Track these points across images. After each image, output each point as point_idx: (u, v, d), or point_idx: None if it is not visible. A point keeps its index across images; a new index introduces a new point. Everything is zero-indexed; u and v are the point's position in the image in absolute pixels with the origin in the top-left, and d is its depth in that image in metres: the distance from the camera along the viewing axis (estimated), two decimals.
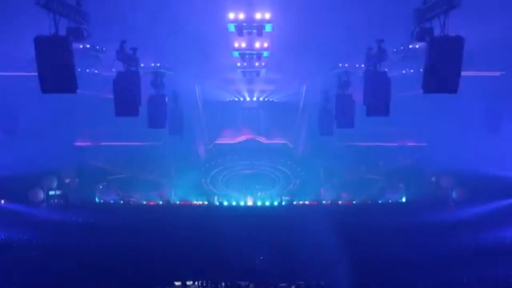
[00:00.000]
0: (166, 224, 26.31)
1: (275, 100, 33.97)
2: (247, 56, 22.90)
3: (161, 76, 24.92)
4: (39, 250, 22.77)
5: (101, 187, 34.08)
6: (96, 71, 26.27)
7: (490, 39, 19.33)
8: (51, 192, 32.52)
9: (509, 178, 28.23)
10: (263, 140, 35.10)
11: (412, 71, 26.09)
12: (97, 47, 21.41)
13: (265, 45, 21.97)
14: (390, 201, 33.79)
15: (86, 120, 32.25)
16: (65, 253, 21.80)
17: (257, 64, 24.90)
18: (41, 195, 31.88)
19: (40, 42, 14.67)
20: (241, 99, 33.98)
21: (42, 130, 28.19)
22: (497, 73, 26.45)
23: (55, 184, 32.86)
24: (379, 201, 33.74)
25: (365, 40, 20.49)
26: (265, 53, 22.71)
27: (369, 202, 33.70)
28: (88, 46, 20.90)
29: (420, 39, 16.33)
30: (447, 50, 15.08)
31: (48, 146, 27.71)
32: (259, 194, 34.07)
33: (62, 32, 15.25)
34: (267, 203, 33.67)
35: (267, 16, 19.08)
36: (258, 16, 19.06)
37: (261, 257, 21.50)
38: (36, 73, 15.03)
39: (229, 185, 34.88)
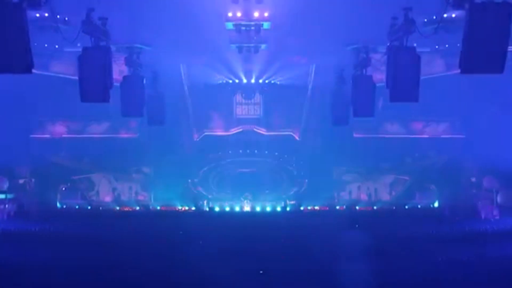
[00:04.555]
0: (144, 235, 26.27)
1: (278, 83, 33.93)
2: (243, 28, 22.80)
3: (137, 53, 24.87)
4: None
5: (63, 189, 34.11)
6: (56, 46, 26.19)
7: None
8: (1, 196, 32.41)
9: None
10: (263, 131, 35.07)
11: (447, 46, 26.04)
12: (58, 17, 21.22)
13: (266, 14, 21.86)
14: (419, 206, 33.82)
15: (45, 107, 32.18)
16: (18, 270, 21.70)
17: (255, 38, 24.81)
18: None
19: None
20: (237, 81, 33.91)
21: None
22: None
23: (6, 185, 32.77)
24: (406, 207, 33.76)
25: (389, 8, 20.38)
26: (266, 25, 22.61)
27: (394, 207, 33.74)
28: (46, 15, 20.74)
29: (457, 6, 16.18)
30: (491, 19, 14.97)
31: None
32: (250, 198, 34.03)
33: None
34: (268, 209, 33.68)
35: None
36: None
37: (261, 271, 21.46)
38: None
39: (221, 186, 34.88)
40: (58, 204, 33.77)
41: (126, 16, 21.93)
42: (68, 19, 21.56)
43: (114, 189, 34.68)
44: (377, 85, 23.92)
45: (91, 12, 19.87)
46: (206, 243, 24.16)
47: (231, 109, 35.14)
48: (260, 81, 33.89)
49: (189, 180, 34.89)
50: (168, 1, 20.43)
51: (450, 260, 22.51)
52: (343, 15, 21.87)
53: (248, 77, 33.59)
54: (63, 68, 28.75)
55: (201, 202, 34.02)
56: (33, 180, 33.82)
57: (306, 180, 34.96)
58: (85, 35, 20.11)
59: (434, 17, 21.47)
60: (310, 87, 33.23)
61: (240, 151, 35.08)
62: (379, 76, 24.36)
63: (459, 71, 15.84)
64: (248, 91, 34.62)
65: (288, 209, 33.65)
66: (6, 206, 32.40)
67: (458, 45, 15.90)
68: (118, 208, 33.76)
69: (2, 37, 14.64)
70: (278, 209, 33.68)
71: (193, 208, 33.58)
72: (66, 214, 32.50)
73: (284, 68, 31.90)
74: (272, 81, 33.88)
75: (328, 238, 23.69)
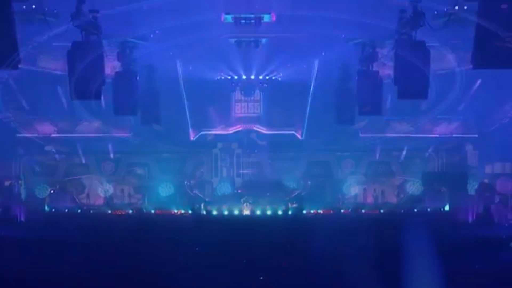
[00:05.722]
0: (137, 240, 26.23)
1: (279, 79, 33.90)
2: (243, 20, 22.79)
3: (130, 48, 24.85)
4: None
5: (52, 191, 34.01)
6: (44, 41, 26.13)
7: None
8: None
9: None
10: (263, 130, 35.04)
11: (458, 40, 26.02)
12: (46, 9, 21.26)
13: (266, 6, 21.85)
14: (429, 209, 33.76)
15: (32, 104, 32.13)
16: (3, 277, 21.70)
17: (256, 31, 24.79)
18: None
19: None
20: (236, 77, 33.89)
21: None
22: None
23: None
24: (415, 210, 33.71)
25: None
26: (266, 17, 22.60)
27: (402, 211, 33.68)
28: (34, 6, 20.76)
29: None
30: (505, 11, 14.92)
31: None
32: (250, 200, 33.99)
33: None
34: (269, 212, 33.63)
35: None
36: None
37: (261, 278, 21.47)
38: None
39: (219, 188, 34.81)
40: (46, 208, 33.66)
41: (119, 9, 21.92)
42: (57, 11, 21.53)
43: (105, 192, 34.63)
44: (384, 81, 23.91)
45: (82, 4, 19.87)
46: (203, 248, 24.14)
47: (229, 106, 35.13)
48: (261, 77, 33.86)
49: (185, 182, 34.87)
50: None
51: (462, 268, 22.50)
52: (348, 7, 21.88)
53: (248, 74, 33.56)
54: (52, 64, 28.76)
55: (198, 205, 33.96)
56: (19, 181, 33.76)
57: (309, 182, 34.93)
58: (75, 28, 20.11)
59: (445, 9, 21.48)
60: (313, 83, 33.19)
61: (240, 151, 35.07)
62: (386, 72, 24.35)
63: (471, 66, 15.81)
64: (247, 87, 34.58)
65: (289, 212, 33.60)
66: None
67: (470, 39, 15.86)
68: (110, 211, 33.68)
69: None
70: (279, 212, 33.63)
71: (190, 212, 33.53)
72: (54, 218, 32.42)
73: (286, 63, 31.90)
74: (273, 77, 33.86)
75: (331, 244, 23.66)
